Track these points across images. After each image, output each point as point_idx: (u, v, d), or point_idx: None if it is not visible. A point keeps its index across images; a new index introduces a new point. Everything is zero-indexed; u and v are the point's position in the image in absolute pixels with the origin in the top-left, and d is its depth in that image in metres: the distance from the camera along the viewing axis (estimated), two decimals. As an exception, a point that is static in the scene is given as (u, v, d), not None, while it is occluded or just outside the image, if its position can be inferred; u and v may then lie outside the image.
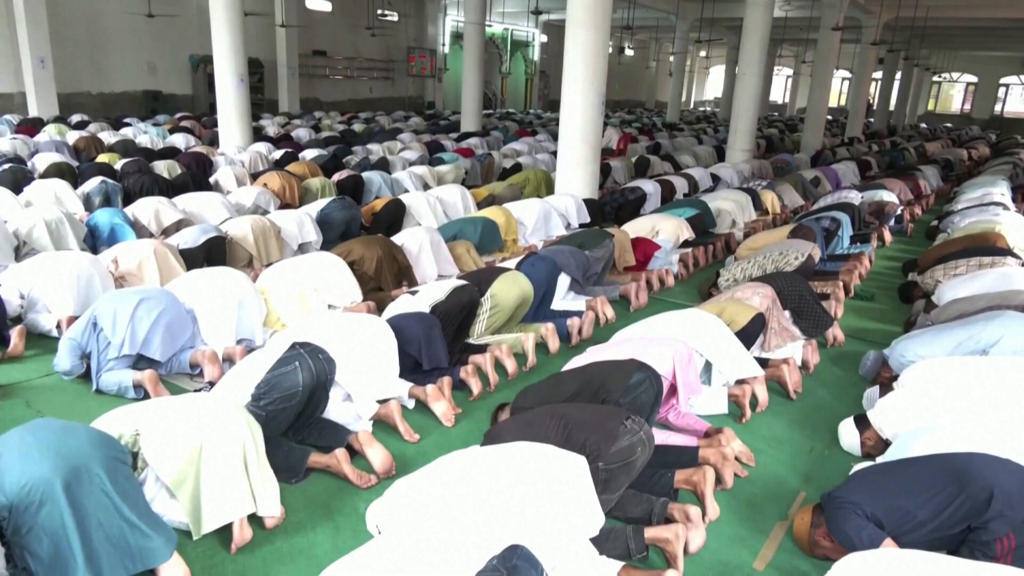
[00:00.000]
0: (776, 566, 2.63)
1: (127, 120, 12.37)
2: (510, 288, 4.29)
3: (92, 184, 6.57)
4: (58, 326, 4.08)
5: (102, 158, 8.38)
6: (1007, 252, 5.38)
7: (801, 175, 9.89)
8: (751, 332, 3.94)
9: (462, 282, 4.22)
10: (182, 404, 2.57)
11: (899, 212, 8.49)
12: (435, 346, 3.71)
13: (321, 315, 4.09)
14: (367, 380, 3.33)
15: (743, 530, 2.79)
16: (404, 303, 4.05)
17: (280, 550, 2.56)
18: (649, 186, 8.26)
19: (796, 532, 2.67)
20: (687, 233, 6.47)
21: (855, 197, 8.17)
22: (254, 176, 7.93)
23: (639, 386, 2.93)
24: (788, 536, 2.79)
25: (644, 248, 5.87)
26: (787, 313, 4.44)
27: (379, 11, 19.05)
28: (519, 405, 3.08)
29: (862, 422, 3.30)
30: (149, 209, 5.85)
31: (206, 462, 2.41)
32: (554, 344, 4.32)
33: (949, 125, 27.72)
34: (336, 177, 8.01)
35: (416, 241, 5.34)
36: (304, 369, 2.93)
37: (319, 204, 6.36)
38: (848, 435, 3.36)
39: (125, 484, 2.18)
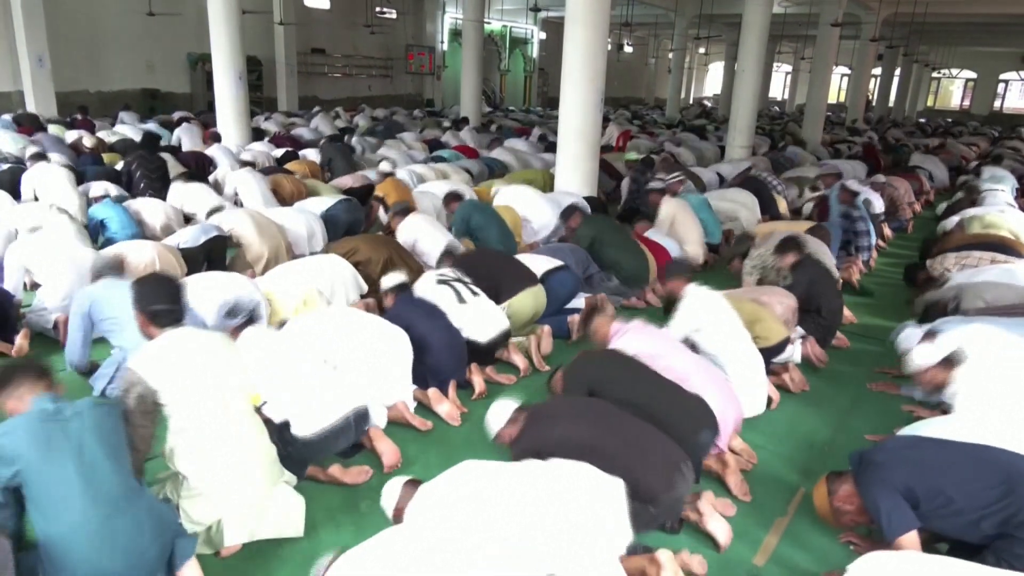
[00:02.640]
0: (776, 562, 2.64)
1: (124, 116, 12.18)
2: (526, 303, 4.31)
3: (98, 191, 6.42)
4: (55, 326, 4.10)
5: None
6: (1021, 256, 5.34)
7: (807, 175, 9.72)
8: (774, 351, 3.92)
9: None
10: (221, 434, 2.46)
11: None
12: (459, 363, 3.76)
13: (343, 321, 3.71)
14: (383, 391, 3.34)
15: (743, 526, 2.80)
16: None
17: (281, 549, 2.56)
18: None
19: (818, 507, 2.60)
20: (703, 255, 6.32)
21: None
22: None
23: (702, 442, 2.88)
24: (788, 532, 2.80)
25: (659, 258, 5.77)
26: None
27: (377, 8, 19.02)
28: (578, 379, 3.03)
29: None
30: (151, 208, 5.81)
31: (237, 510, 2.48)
32: (547, 346, 4.36)
33: (949, 120, 27.56)
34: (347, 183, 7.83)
35: (412, 231, 5.30)
36: (348, 429, 2.93)
37: (325, 202, 6.29)
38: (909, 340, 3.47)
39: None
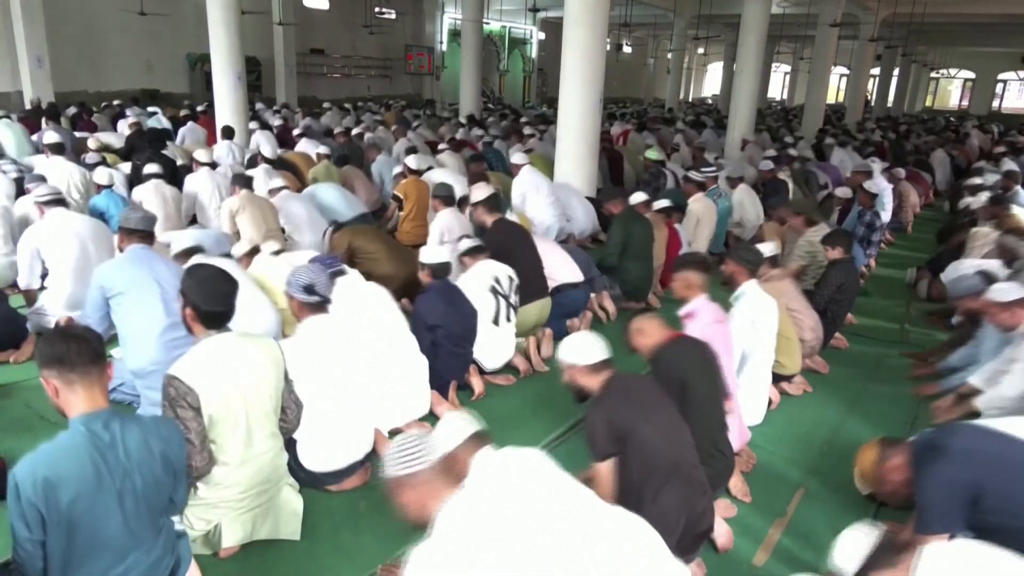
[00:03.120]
0: (776, 562, 2.64)
1: (130, 112, 12.05)
2: (531, 313, 4.28)
3: (102, 178, 6.02)
4: (57, 326, 4.08)
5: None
6: None
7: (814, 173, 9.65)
8: (783, 377, 3.92)
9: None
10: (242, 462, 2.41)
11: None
12: (463, 371, 3.76)
13: (378, 333, 3.40)
14: (397, 412, 3.34)
15: (743, 526, 2.80)
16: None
17: (280, 549, 2.56)
18: (671, 176, 8.10)
19: (860, 468, 2.53)
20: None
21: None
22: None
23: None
24: (788, 532, 2.80)
25: (672, 256, 5.69)
26: None
27: (376, 9, 19.02)
28: (674, 367, 2.67)
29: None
30: (154, 201, 5.70)
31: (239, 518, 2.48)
32: (547, 349, 4.36)
33: (953, 119, 27.41)
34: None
35: (451, 226, 5.02)
36: (354, 469, 2.95)
37: (338, 198, 6.18)
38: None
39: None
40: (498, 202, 4.58)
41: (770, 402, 3.72)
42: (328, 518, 2.74)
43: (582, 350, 2.48)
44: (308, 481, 2.81)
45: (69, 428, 1.81)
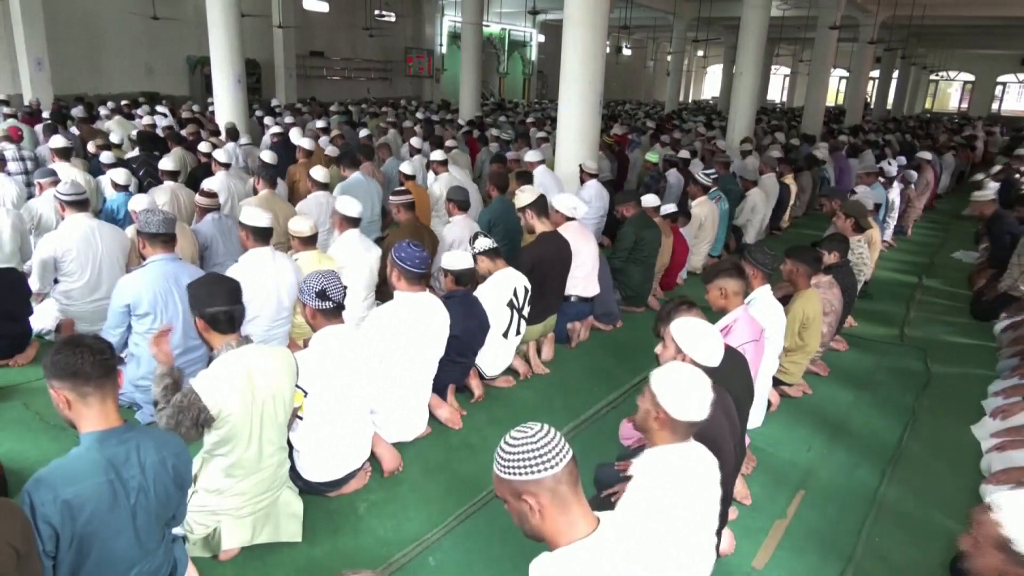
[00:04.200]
0: (775, 565, 2.63)
1: (138, 112, 12.01)
2: (536, 329, 4.26)
3: (120, 177, 6.04)
4: (58, 329, 4.08)
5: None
6: None
7: (827, 178, 9.65)
8: (784, 383, 3.91)
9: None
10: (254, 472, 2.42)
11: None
12: (464, 377, 3.75)
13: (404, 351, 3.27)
14: (396, 429, 3.31)
15: (743, 528, 2.79)
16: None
17: (279, 552, 2.55)
18: (672, 177, 8.13)
19: None
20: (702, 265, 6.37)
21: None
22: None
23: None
24: (787, 534, 2.80)
25: (678, 260, 5.75)
26: None
27: (376, 12, 19.02)
28: (727, 381, 2.43)
29: None
30: (169, 203, 5.53)
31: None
32: (548, 352, 4.36)
33: (956, 120, 27.37)
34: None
35: (466, 235, 4.76)
36: (351, 477, 2.97)
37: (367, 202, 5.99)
38: None
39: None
40: (546, 205, 4.37)
41: (770, 404, 3.72)
42: (328, 520, 2.74)
43: (705, 347, 2.20)
44: (307, 489, 2.80)
45: (83, 444, 1.77)
